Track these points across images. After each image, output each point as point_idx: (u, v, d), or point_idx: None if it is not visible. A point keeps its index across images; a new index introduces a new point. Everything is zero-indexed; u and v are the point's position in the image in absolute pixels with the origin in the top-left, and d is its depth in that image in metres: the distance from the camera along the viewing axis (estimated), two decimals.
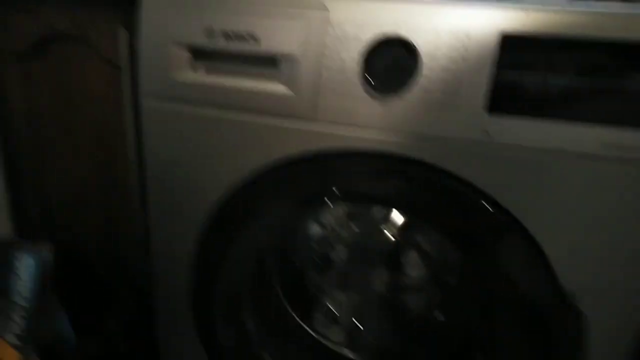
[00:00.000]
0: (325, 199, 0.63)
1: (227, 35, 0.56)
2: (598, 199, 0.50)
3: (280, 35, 0.55)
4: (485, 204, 0.52)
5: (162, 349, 0.74)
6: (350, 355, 0.78)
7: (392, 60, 0.52)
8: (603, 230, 0.51)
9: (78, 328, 0.71)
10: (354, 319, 0.81)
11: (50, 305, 0.71)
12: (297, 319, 0.78)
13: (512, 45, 0.48)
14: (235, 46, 0.56)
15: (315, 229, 0.79)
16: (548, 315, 0.54)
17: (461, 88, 0.51)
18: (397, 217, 0.75)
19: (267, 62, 0.57)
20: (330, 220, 0.78)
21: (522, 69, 0.49)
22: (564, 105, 0.48)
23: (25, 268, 0.68)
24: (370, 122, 0.54)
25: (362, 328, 0.81)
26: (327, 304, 0.81)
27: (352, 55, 0.53)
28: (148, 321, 0.71)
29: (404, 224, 0.73)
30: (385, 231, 0.75)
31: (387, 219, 0.75)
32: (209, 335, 0.69)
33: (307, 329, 0.78)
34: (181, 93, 0.60)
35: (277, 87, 0.56)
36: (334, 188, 0.57)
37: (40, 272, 0.67)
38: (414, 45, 0.51)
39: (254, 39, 0.56)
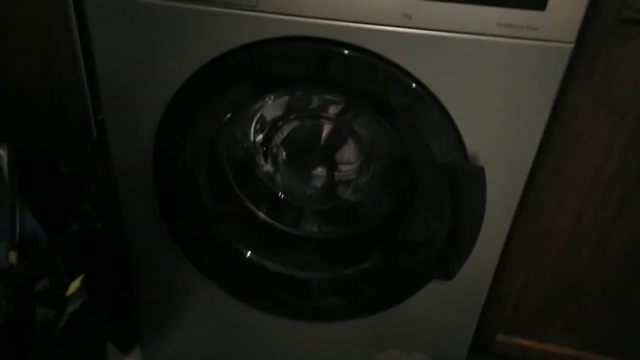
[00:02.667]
0: (266, 87, 0.69)
1: None
2: (495, 73, 0.61)
3: None
4: (407, 79, 0.62)
5: (129, 229, 0.81)
6: (296, 233, 0.90)
7: None
8: (499, 99, 0.63)
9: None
10: (293, 201, 0.92)
11: (17, 204, 0.76)
12: (249, 203, 0.87)
13: None
14: None
15: (259, 119, 0.87)
16: (456, 171, 0.67)
17: None
18: (333, 106, 0.84)
19: None
20: (272, 111, 0.86)
21: None
22: None
23: None
24: (308, 11, 0.60)
25: (305, 209, 0.93)
26: (274, 189, 0.92)
27: None
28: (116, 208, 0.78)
29: (340, 110, 0.83)
30: (323, 118, 0.85)
31: (324, 107, 0.85)
32: (173, 216, 0.78)
33: (257, 211, 0.88)
34: None
35: None
36: (270, 78, 0.64)
37: (7, 170, 0.71)
38: None
39: None
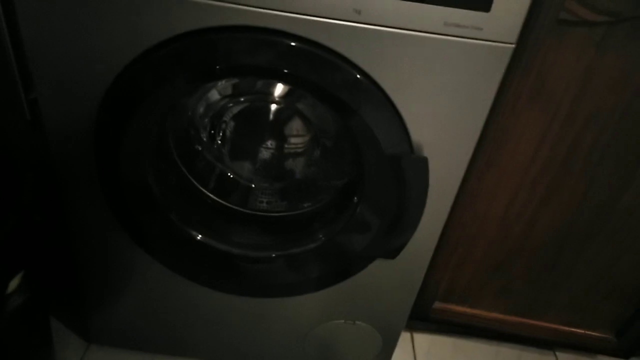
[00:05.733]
0: (214, 74, 0.67)
1: None
2: (441, 69, 0.63)
3: None
4: (356, 73, 0.62)
5: (71, 222, 0.79)
6: (245, 212, 0.91)
7: None
8: (443, 94, 0.65)
9: None
10: (242, 180, 0.92)
11: None
12: (197, 184, 0.87)
13: None
14: None
15: (207, 102, 0.85)
16: (401, 161, 0.69)
17: None
18: (280, 88, 0.83)
19: None
20: (219, 94, 0.84)
21: None
22: None
23: None
24: (259, 1, 0.59)
25: (253, 188, 0.93)
26: (222, 169, 0.91)
27: None
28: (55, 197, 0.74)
29: (287, 93, 0.83)
30: (271, 101, 0.84)
31: (271, 91, 0.84)
32: (119, 206, 0.76)
33: (207, 192, 0.88)
34: None
35: None
36: (217, 67, 0.63)
37: None
38: None
39: None
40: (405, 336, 1.14)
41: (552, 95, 0.70)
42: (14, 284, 0.59)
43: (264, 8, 0.59)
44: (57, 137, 0.72)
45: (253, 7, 0.59)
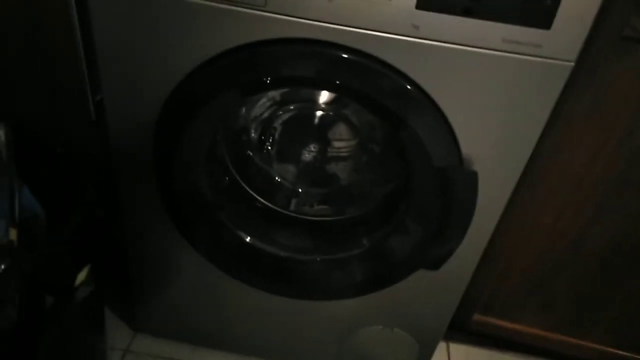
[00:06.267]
0: (267, 83, 0.69)
1: None
2: (496, 85, 0.63)
3: None
4: (408, 85, 0.63)
5: (128, 219, 0.83)
6: (292, 215, 0.93)
7: None
8: (497, 110, 0.65)
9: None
10: (293, 186, 0.95)
11: (15, 181, 0.76)
12: (247, 188, 0.89)
13: None
14: None
15: (258, 109, 0.87)
16: (451, 174, 0.69)
17: None
18: (326, 95, 0.85)
19: None
20: (270, 101, 0.86)
21: None
22: (476, 4, 0.58)
23: None
24: (316, 14, 0.60)
25: (300, 193, 0.95)
26: (271, 173, 0.93)
27: None
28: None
29: (334, 99, 0.84)
30: (319, 108, 0.86)
31: (319, 98, 0.85)
32: (173, 207, 0.80)
33: (256, 196, 0.90)
34: None
35: None
36: (268, 78, 0.64)
37: (5, 150, 0.71)
38: None
39: None
40: (441, 345, 1.14)
41: (609, 113, 0.69)
42: (81, 276, 0.63)
43: (321, 21, 0.61)
44: (119, 138, 0.76)
45: (311, 20, 0.61)
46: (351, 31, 0.61)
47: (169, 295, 0.96)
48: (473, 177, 0.69)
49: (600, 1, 0.56)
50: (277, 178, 0.93)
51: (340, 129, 0.91)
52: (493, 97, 0.64)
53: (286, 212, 0.91)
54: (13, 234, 0.74)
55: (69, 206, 0.68)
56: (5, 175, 0.75)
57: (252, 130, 0.90)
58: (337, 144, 0.92)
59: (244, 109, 0.86)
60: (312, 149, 0.93)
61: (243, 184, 0.87)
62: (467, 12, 0.58)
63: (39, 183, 0.69)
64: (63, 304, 0.60)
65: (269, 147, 0.91)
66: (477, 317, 1.02)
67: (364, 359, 1.02)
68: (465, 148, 0.69)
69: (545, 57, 0.60)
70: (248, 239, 0.85)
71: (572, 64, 0.60)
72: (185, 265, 0.89)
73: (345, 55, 0.62)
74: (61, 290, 0.60)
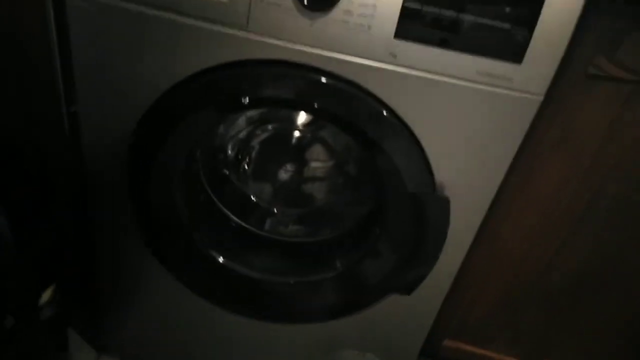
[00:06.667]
0: (244, 103, 0.70)
1: None
2: (470, 115, 0.65)
3: None
4: (384, 111, 0.64)
5: (98, 236, 0.81)
6: (266, 236, 0.93)
7: None
8: (470, 138, 0.67)
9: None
10: (269, 206, 0.94)
11: None
12: (222, 207, 0.89)
13: None
14: None
15: (235, 128, 0.87)
16: (424, 199, 0.71)
17: (375, 13, 0.59)
18: (304, 117, 0.86)
19: None
20: (246, 121, 0.87)
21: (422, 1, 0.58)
22: (452, 36, 0.60)
23: None
24: (297, 37, 0.61)
25: (276, 212, 0.95)
26: (247, 193, 0.93)
27: None
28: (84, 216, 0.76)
29: (312, 122, 0.85)
30: (297, 129, 0.87)
31: (296, 119, 0.86)
32: (145, 224, 0.78)
33: (231, 215, 0.90)
34: None
35: None
36: (246, 98, 0.65)
37: None
38: None
39: None
40: None
41: (575, 146, 0.72)
42: (46, 296, 0.60)
43: (302, 44, 0.62)
44: (93, 153, 0.75)
45: (292, 43, 0.62)
46: (330, 56, 0.62)
47: (136, 315, 0.93)
48: (445, 203, 0.71)
49: (568, 40, 0.59)
50: (252, 197, 0.93)
51: (317, 150, 0.92)
52: (466, 126, 0.66)
53: (261, 233, 0.91)
54: None
55: (37, 222, 0.66)
56: None
57: (229, 149, 0.90)
58: (313, 164, 0.93)
59: (221, 127, 0.86)
60: (289, 168, 0.94)
61: (218, 203, 0.87)
62: (443, 44, 0.60)
63: (5, 199, 0.67)
64: (25, 323, 0.57)
65: (246, 166, 0.91)
66: (447, 342, 1.02)
67: None
68: (439, 175, 0.70)
69: (516, 90, 0.62)
70: (221, 260, 0.84)
71: (541, 97, 0.63)
72: (155, 285, 0.87)
73: (324, 80, 0.63)
74: (24, 309, 0.58)
